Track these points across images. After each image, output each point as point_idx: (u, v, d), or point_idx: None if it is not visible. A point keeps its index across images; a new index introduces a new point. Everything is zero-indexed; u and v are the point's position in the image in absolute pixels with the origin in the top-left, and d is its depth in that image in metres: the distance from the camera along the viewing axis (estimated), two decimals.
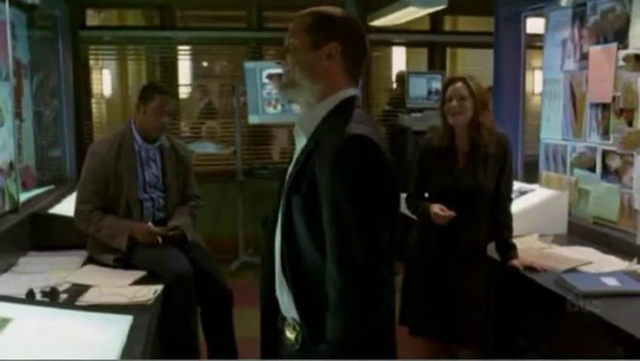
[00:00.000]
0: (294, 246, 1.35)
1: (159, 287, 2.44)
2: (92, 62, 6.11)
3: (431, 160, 2.65)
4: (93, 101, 6.18)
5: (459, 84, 2.55)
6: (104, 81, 6.54)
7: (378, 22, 5.22)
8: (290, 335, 1.38)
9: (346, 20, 1.42)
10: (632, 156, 2.89)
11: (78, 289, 2.41)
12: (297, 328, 1.36)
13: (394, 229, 1.36)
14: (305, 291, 1.34)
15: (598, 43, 3.13)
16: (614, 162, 3.02)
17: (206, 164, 5.69)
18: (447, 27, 6.60)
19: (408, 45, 6.59)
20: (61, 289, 2.37)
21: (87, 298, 2.31)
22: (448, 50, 7.09)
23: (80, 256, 2.87)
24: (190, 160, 3.28)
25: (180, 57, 5.99)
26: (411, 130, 5.18)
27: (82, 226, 2.81)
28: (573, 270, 2.58)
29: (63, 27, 4.31)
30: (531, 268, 2.57)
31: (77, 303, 2.25)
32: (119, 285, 2.47)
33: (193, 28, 6.33)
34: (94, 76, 6.14)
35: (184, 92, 6.19)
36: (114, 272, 2.66)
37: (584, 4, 3.20)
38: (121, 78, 6.69)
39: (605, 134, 3.09)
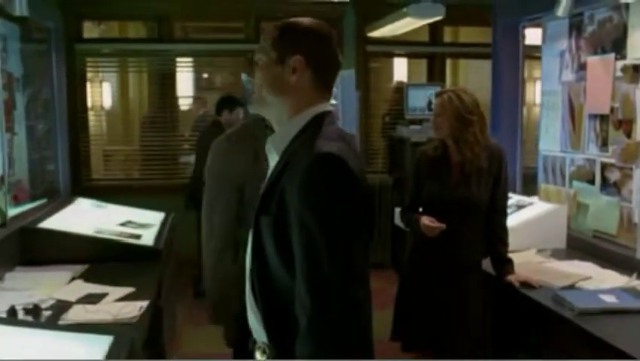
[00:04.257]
0: (264, 267, 1.30)
1: (144, 303, 2.38)
2: (91, 74, 6.14)
3: (425, 171, 2.61)
4: (92, 113, 6.20)
5: (438, 99, 2.56)
6: (104, 93, 6.56)
7: (376, 34, 5.19)
8: (260, 357, 1.33)
9: (311, 30, 1.37)
10: (631, 169, 2.83)
11: (62, 306, 2.34)
12: (267, 351, 1.31)
13: (367, 249, 1.31)
14: (274, 314, 1.29)
15: (595, 53, 3.08)
16: (613, 175, 2.96)
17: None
18: (448, 38, 6.59)
19: (407, 56, 6.56)
20: (45, 306, 2.32)
21: (71, 316, 2.25)
22: (449, 62, 7.09)
23: (68, 271, 2.82)
24: None
25: (179, 69, 5.98)
26: (410, 141, 5.13)
27: None
28: (571, 286, 2.52)
29: (57, 39, 4.29)
30: (527, 284, 2.50)
31: (60, 321, 2.19)
32: (104, 301, 2.41)
33: (191, 40, 6.32)
34: (93, 88, 6.16)
35: (183, 103, 6.18)
36: (102, 288, 2.60)
37: (581, 14, 3.16)
38: (121, 90, 6.69)
39: (604, 145, 3.03)
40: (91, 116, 5.91)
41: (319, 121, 1.34)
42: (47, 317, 2.23)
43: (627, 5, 2.83)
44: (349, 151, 1.28)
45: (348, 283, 1.20)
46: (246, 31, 5.67)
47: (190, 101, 6.29)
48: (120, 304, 2.38)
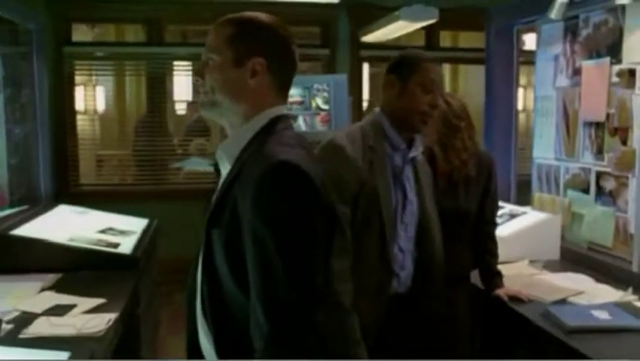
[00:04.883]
0: (216, 285, 1.18)
1: (113, 316, 2.26)
2: (83, 78, 6.06)
3: None
4: (86, 117, 6.11)
5: None
6: (95, 97, 6.47)
7: (370, 38, 5.08)
8: None
9: (272, 29, 1.26)
10: (627, 178, 2.71)
11: (27, 319, 2.23)
12: None
13: (329, 264, 1.19)
14: (227, 336, 1.18)
15: (591, 58, 2.96)
16: (609, 184, 2.84)
17: (195, 182, 5.53)
18: (448, 43, 6.50)
19: None
20: (7, 318, 2.20)
21: (32, 329, 2.13)
22: (449, 67, 6.99)
23: (40, 280, 2.70)
24: None
25: (170, 73, 5.89)
26: None
27: None
28: (562, 301, 2.40)
29: (39, 41, 4.19)
30: (516, 299, 2.38)
31: (21, 335, 2.07)
32: (72, 313, 2.30)
33: (183, 43, 6.23)
34: (84, 92, 6.06)
35: (177, 108, 6.09)
36: (71, 299, 2.49)
37: (576, 17, 3.05)
38: (113, 94, 6.60)
39: (599, 153, 2.91)
40: (83, 120, 5.84)
41: (277, 125, 1.22)
42: (7, 331, 2.11)
43: (623, 8, 2.72)
44: (309, 159, 1.17)
45: (307, 303, 1.09)
46: None
47: (183, 105, 6.21)
48: (87, 317, 2.26)
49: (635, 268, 2.62)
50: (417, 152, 2.03)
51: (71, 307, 2.38)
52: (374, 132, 1.95)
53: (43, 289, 2.63)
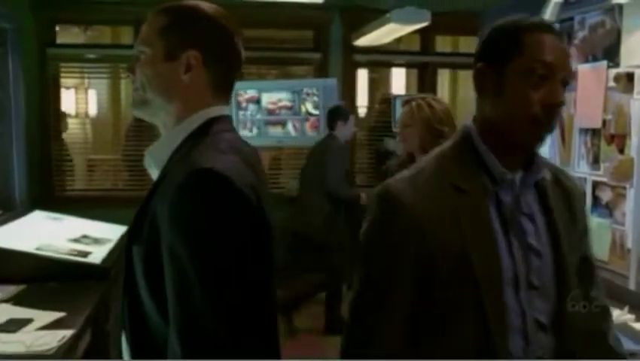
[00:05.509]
0: (137, 306, 1.04)
1: (69, 332, 2.10)
2: (76, 81, 5.94)
3: None
4: (76, 120, 5.99)
5: (406, 108, 2.31)
6: (89, 100, 6.35)
7: (363, 41, 4.93)
8: None
9: (212, 20, 1.11)
10: (624, 188, 2.55)
11: None
12: None
13: (270, 286, 1.04)
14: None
15: (587, 61, 2.81)
16: (605, 195, 2.68)
17: None
18: (448, 48, 6.37)
19: (397, 66, 6.35)
20: None
21: None
22: (448, 73, 6.85)
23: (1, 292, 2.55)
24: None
25: None
26: (396, 154, 4.88)
27: None
28: None
29: (15, 42, 4.05)
30: None
31: None
32: (26, 329, 2.14)
33: None
34: (78, 95, 5.94)
35: None
36: (29, 313, 2.33)
37: (572, 19, 2.90)
38: (112, 97, 6.48)
39: (595, 162, 2.76)
40: (73, 123, 5.71)
41: (211, 128, 1.07)
42: None
43: (621, 8, 2.57)
44: (242, 167, 1.02)
45: (226, 330, 0.94)
46: None
47: None
48: (40, 333, 2.10)
49: (631, 286, 2.46)
50: (540, 174, 1.26)
51: (27, 322, 2.22)
52: (460, 160, 1.23)
53: (1, 302, 2.48)
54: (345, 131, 4.40)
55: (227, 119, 1.14)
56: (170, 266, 0.96)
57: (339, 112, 4.44)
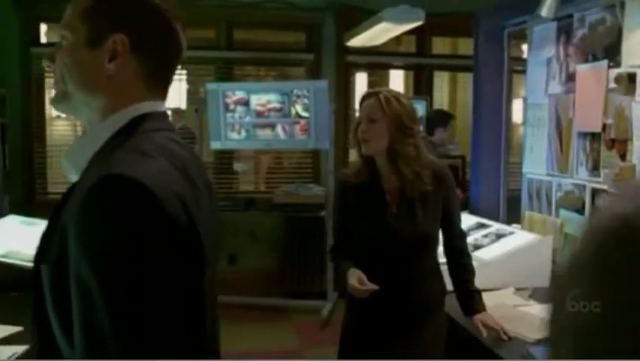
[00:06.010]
0: (46, 332, 0.89)
1: (20, 348, 1.94)
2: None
3: (352, 202, 2.05)
4: (64, 122, 5.83)
5: (371, 100, 1.97)
6: None
7: (355, 42, 4.77)
8: None
9: (143, 0, 0.95)
10: None
11: None
12: None
13: (200, 309, 0.88)
14: None
15: (586, 61, 2.65)
16: None
17: None
18: (448, 50, 6.23)
19: (391, 68, 6.21)
20: None
21: None
22: (447, 75, 6.71)
23: None
24: None
25: None
26: None
27: None
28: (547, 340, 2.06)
29: None
30: (494, 331, 2.04)
31: None
32: None
33: None
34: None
35: None
36: None
37: (570, 16, 2.74)
38: None
39: (595, 169, 2.59)
40: (60, 125, 5.55)
41: (140, 126, 0.91)
42: None
43: (622, 4, 2.41)
44: (170, 172, 0.86)
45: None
46: (218, 39, 5.27)
47: (168, 112, 5.92)
48: None
49: None
50: None
51: None
52: None
53: None
54: (443, 137, 4.46)
55: (162, 116, 0.97)
56: (76, 287, 0.81)
57: (441, 117, 4.43)
